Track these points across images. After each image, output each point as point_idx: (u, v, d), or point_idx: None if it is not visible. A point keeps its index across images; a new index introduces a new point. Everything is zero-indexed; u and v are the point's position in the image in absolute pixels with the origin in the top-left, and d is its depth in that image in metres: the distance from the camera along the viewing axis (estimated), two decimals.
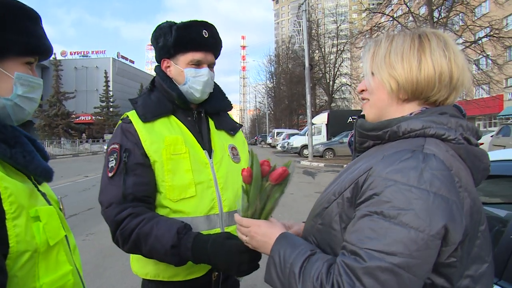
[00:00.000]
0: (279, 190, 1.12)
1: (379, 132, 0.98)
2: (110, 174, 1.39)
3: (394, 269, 0.76)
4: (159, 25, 1.55)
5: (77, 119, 50.10)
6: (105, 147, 1.58)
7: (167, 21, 1.55)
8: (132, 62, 64.90)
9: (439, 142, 0.90)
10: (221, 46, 1.61)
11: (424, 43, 0.96)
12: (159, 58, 1.59)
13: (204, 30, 1.50)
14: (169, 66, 1.56)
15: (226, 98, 1.71)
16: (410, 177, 0.81)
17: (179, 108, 1.55)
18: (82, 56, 58.07)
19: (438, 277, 0.85)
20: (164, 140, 1.44)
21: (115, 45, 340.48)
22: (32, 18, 1.03)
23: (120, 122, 1.51)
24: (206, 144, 1.55)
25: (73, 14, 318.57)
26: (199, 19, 1.55)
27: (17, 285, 0.86)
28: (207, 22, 1.54)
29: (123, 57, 61.12)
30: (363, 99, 1.08)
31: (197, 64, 1.52)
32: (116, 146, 1.43)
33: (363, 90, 1.07)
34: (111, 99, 51.03)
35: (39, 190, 1.03)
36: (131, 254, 1.49)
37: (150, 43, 1.62)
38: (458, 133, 0.91)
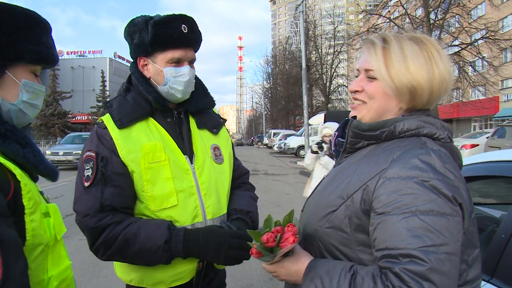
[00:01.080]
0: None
1: (376, 132, 1.00)
2: (86, 184, 1.31)
3: (450, 257, 0.81)
4: (133, 20, 1.43)
5: (74, 119, 49.78)
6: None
7: (141, 16, 1.43)
8: (129, 62, 64.28)
9: (431, 141, 0.95)
10: (201, 40, 1.51)
11: (431, 54, 0.98)
12: (134, 56, 1.49)
13: (183, 25, 1.40)
14: (146, 64, 1.46)
15: (209, 94, 1.62)
16: (429, 170, 0.86)
17: (157, 109, 1.47)
18: (79, 55, 57.69)
19: None
20: (141, 148, 1.36)
21: (112, 44, 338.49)
22: (45, 28, 1.08)
23: (95, 126, 1.43)
24: (186, 147, 1.47)
25: (69, 13, 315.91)
26: (176, 13, 1.46)
27: (30, 277, 0.90)
28: (185, 15, 1.44)
29: (120, 57, 60.73)
30: (356, 99, 1.06)
31: (177, 62, 1.42)
32: (92, 154, 1.34)
33: (356, 91, 1.06)
34: (107, 99, 50.58)
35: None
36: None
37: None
38: (445, 132, 0.97)
